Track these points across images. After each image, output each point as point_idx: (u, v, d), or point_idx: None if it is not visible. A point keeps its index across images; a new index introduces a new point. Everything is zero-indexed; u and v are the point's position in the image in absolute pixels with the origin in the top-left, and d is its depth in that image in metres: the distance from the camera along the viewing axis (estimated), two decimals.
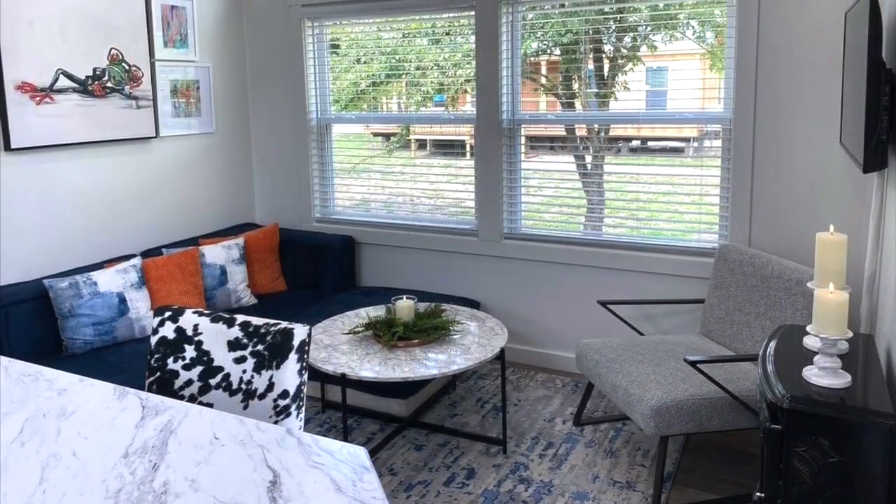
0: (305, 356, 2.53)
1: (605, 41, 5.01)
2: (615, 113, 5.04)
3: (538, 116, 5.29)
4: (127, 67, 5.02)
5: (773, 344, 2.95)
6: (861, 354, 2.85)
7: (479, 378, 5.17)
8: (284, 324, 2.58)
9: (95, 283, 4.42)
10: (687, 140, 5.08)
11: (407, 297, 4.35)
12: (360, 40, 5.86)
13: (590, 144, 5.18)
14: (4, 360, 2.65)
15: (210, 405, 2.60)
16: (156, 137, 5.30)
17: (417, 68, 5.65)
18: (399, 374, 3.69)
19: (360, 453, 1.96)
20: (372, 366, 3.79)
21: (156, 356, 2.69)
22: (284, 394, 2.49)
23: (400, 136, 6.08)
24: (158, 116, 5.30)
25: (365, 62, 5.88)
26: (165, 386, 2.66)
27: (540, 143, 5.44)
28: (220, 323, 2.67)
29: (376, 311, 4.64)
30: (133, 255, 4.98)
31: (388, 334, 4.07)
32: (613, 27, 4.94)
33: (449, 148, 5.89)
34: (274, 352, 2.54)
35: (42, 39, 4.47)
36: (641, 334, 4.62)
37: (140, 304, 4.58)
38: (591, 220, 5.21)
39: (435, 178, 5.77)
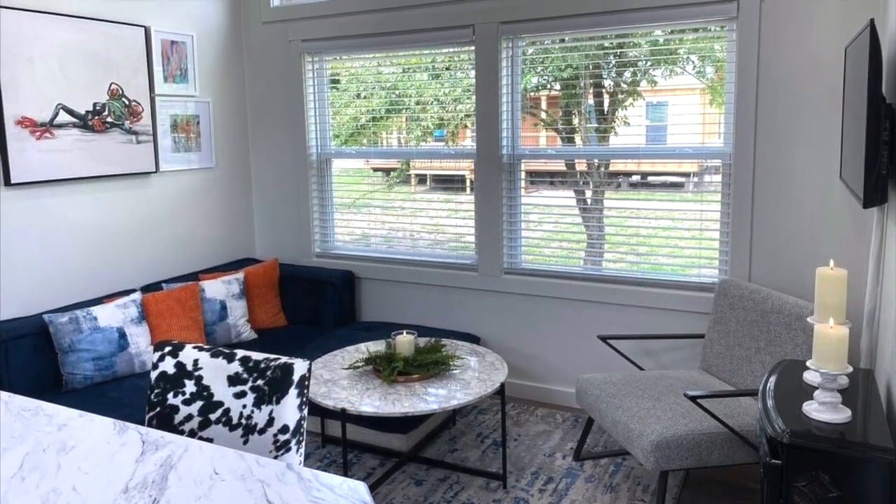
0: (305, 391, 2.53)
1: (605, 76, 5.04)
2: (615, 148, 5.06)
3: (538, 151, 5.31)
4: (127, 102, 5.05)
5: (773, 379, 2.95)
6: (861, 389, 2.84)
7: (480, 413, 5.16)
8: (284, 359, 2.58)
9: (95, 318, 4.43)
10: (687, 175, 5.09)
11: (407, 332, 4.35)
12: (360, 75, 5.90)
13: (590, 179, 5.19)
14: (4, 394, 2.64)
15: (210, 440, 2.59)
16: (156, 172, 5.32)
17: (417, 103, 5.68)
18: (399, 409, 3.68)
19: (360, 488, 1.96)
20: (372, 401, 3.78)
21: (156, 391, 2.69)
22: (284, 429, 2.48)
23: (400, 170, 6.10)
24: (158, 151, 5.32)
25: (365, 97, 5.92)
26: (165, 421, 2.65)
27: (540, 178, 5.46)
28: (220, 358, 2.67)
29: (376, 346, 4.64)
30: (133, 290, 4.98)
31: (388, 369, 4.07)
32: (613, 62, 4.97)
33: (449, 183, 5.91)
34: (274, 387, 2.54)
35: (42, 75, 4.51)
36: (641, 369, 4.61)
37: (140, 339, 4.58)
38: (591, 255, 5.22)
39: (435, 212, 5.79)
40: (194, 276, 5.42)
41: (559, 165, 5.32)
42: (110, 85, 4.93)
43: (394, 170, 6.17)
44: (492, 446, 4.65)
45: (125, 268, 5.15)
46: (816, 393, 2.59)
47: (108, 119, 4.92)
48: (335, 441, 4.75)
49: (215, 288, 5.16)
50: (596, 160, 5.13)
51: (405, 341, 4.25)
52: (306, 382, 2.53)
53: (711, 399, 3.86)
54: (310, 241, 6.16)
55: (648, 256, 5.01)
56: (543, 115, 5.49)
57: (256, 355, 2.64)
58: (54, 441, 2.26)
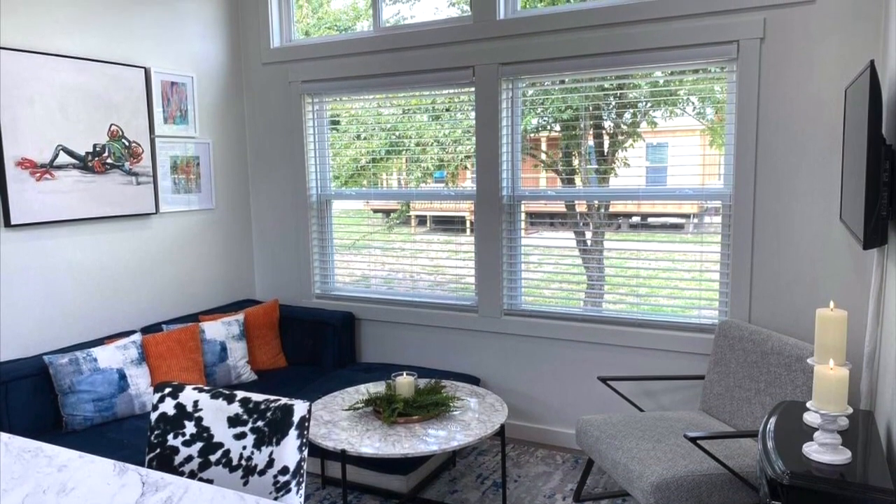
0: (305, 432, 2.52)
1: (605, 117, 5.07)
2: (615, 189, 5.07)
3: (538, 192, 5.33)
4: (127, 143, 5.08)
5: (773, 420, 2.95)
6: (861, 430, 2.84)
7: (480, 454, 5.14)
8: (284, 400, 2.58)
9: (95, 360, 4.42)
10: (687, 216, 5.10)
11: (407, 374, 4.35)
12: (360, 116, 5.93)
13: (590, 220, 5.21)
14: (4, 436, 2.64)
15: (210, 481, 2.58)
16: (156, 213, 5.34)
17: (417, 144, 5.70)
18: (399, 450, 3.67)
19: None
20: (372, 442, 3.77)
21: (156, 432, 2.69)
22: (284, 470, 2.47)
23: (400, 212, 6.11)
24: (158, 192, 5.35)
25: (365, 138, 5.94)
26: (165, 462, 2.65)
27: (540, 220, 5.47)
28: (220, 399, 2.67)
29: (376, 388, 4.63)
30: (133, 332, 4.98)
31: (388, 410, 4.06)
32: (613, 103, 5.00)
33: (449, 224, 5.92)
34: (274, 428, 2.53)
35: (42, 116, 4.54)
36: (641, 410, 4.60)
37: (140, 381, 4.57)
38: (591, 297, 5.22)
39: (435, 254, 5.80)
40: (194, 318, 5.43)
41: (559, 207, 5.33)
42: (110, 126, 4.96)
43: (394, 211, 6.18)
44: (492, 487, 4.63)
45: (125, 309, 5.15)
46: (816, 434, 2.59)
47: (108, 160, 4.95)
48: (335, 482, 4.73)
49: (215, 329, 5.16)
50: (596, 201, 5.15)
51: (405, 382, 4.25)
52: (306, 423, 2.53)
53: (711, 440, 3.85)
54: (310, 282, 6.16)
55: (648, 298, 5.01)
56: (543, 157, 5.51)
57: (256, 396, 2.64)
58: (54, 482, 2.25)
